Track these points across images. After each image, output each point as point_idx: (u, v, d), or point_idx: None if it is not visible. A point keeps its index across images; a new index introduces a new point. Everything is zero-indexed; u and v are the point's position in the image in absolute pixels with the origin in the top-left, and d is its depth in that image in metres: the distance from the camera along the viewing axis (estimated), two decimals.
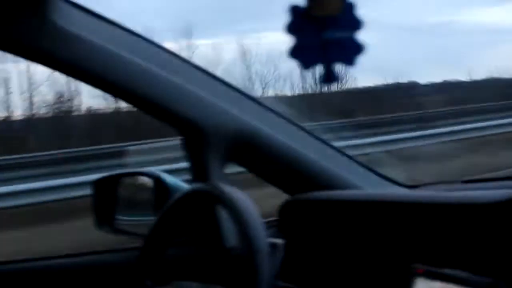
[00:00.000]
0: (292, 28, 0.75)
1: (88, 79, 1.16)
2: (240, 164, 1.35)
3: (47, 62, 1.14)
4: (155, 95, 1.21)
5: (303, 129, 1.37)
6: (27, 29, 1.09)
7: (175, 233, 1.12)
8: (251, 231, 0.89)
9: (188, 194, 1.05)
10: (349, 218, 1.06)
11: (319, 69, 0.77)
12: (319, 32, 0.78)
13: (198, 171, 1.31)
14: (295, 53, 0.75)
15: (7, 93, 11.73)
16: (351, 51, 0.79)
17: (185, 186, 1.37)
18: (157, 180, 1.39)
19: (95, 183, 1.52)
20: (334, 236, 1.08)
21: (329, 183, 1.30)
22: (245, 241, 0.89)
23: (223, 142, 1.28)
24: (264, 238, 0.89)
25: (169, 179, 1.39)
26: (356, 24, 0.79)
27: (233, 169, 1.34)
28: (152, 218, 1.41)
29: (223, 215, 1.32)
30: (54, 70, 1.16)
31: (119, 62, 1.16)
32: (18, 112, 12.03)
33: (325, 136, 1.42)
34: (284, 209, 1.18)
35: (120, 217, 1.49)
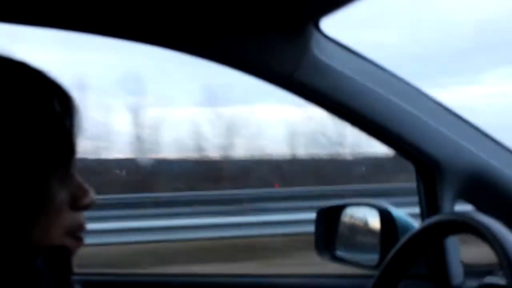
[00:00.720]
0: None
1: (339, 111, 1.25)
2: (470, 202, 1.35)
3: (305, 94, 1.24)
4: (394, 126, 1.26)
5: None
6: (288, 59, 1.21)
7: (410, 265, 1.13)
8: None
9: (439, 223, 1.05)
10: None
11: None
12: None
13: (429, 205, 1.33)
14: None
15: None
16: None
17: (412, 221, 1.39)
18: (384, 212, 1.42)
19: (318, 212, 1.60)
20: None
21: None
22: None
23: (457, 178, 1.29)
24: None
25: (397, 212, 1.42)
26: None
27: None
28: (372, 248, 1.46)
29: (453, 250, 1.32)
30: (310, 103, 1.26)
31: (365, 92, 1.23)
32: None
33: None
34: None
35: (341, 246, 1.54)
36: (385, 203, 1.45)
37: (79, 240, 0.73)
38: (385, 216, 1.41)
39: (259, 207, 8.13)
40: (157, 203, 8.12)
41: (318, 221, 1.60)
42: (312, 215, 1.59)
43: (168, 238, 6.58)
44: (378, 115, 1.24)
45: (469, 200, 1.34)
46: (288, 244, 6.37)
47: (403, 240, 1.10)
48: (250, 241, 6.67)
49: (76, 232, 0.72)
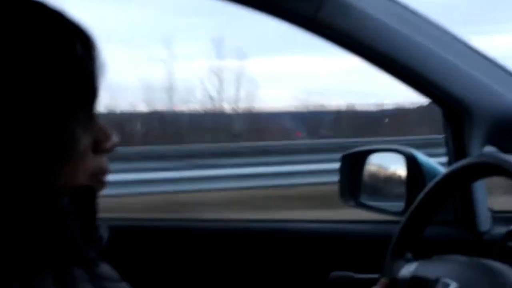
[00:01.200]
0: None
1: (363, 53, 1.21)
2: (500, 148, 1.31)
3: (328, 35, 1.20)
4: (422, 68, 1.22)
5: None
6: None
7: (437, 211, 1.11)
8: None
9: (466, 166, 1.02)
10: None
11: None
12: None
13: (457, 152, 1.29)
14: None
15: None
16: None
17: (439, 167, 1.36)
18: (410, 158, 1.39)
19: (343, 157, 1.58)
20: None
21: None
22: None
23: (487, 122, 1.25)
24: None
25: (423, 158, 1.39)
26: None
27: None
28: (398, 194, 1.44)
29: (480, 196, 1.30)
30: (334, 45, 1.22)
31: (391, 33, 1.19)
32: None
33: None
34: None
35: (366, 192, 1.53)
36: (411, 149, 1.42)
37: (101, 184, 0.72)
38: (411, 161, 1.38)
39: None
40: (178, 156, 8.14)
41: (342, 167, 1.58)
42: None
43: (192, 189, 6.64)
44: (403, 57, 1.19)
45: (498, 145, 1.30)
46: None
47: (430, 185, 1.07)
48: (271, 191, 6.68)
49: (99, 176, 0.72)
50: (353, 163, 1.55)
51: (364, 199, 1.52)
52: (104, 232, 0.73)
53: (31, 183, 0.64)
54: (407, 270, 1.03)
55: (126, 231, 1.38)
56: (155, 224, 1.44)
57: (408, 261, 1.06)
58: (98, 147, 0.71)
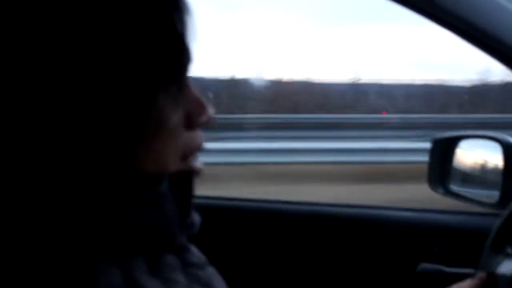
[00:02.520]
0: None
1: (462, 31, 1.13)
2: None
3: (427, 12, 1.14)
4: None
5: None
6: None
7: None
8: None
9: None
10: None
11: None
12: None
13: None
14: None
15: None
16: None
17: None
18: (508, 146, 1.31)
19: (434, 142, 1.51)
20: None
21: None
22: None
23: None
24: None
25: None
26: None
27: None
28: (491, 184, 1.37)
29: None
30: (432, 22, 1.15)
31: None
32: None
33: None
34: None
35: (456, 180, 1.46)
36: (508, 136, 1.34)
37: (196, 163, 0.66)
38: (508, 150, 1.30)
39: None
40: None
41: (432, 152, 1.51)
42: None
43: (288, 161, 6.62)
44: (498, 30, 1.10)
45: None
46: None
47: None
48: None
49: (193, 154, 0.64)
50: (444, 148, 1.49)
51: (454, 187, 1.46)
52: (196, 218, 0.71)
53: (113, 164, 0.57)
54: (508, 266, 0.97)
55: (208, 210, 1.38)
56: (239, 204, 1.44)
57: (509, 256, 1.01)
58: (192, 122, 0.62)
